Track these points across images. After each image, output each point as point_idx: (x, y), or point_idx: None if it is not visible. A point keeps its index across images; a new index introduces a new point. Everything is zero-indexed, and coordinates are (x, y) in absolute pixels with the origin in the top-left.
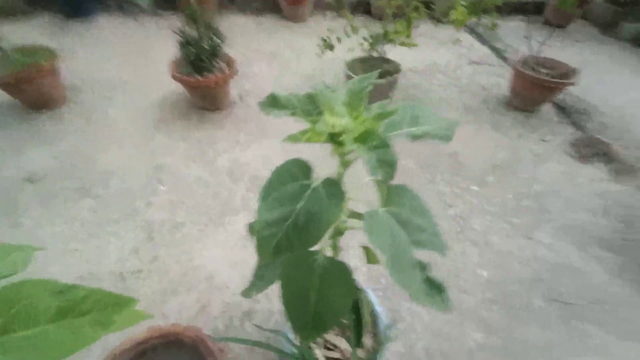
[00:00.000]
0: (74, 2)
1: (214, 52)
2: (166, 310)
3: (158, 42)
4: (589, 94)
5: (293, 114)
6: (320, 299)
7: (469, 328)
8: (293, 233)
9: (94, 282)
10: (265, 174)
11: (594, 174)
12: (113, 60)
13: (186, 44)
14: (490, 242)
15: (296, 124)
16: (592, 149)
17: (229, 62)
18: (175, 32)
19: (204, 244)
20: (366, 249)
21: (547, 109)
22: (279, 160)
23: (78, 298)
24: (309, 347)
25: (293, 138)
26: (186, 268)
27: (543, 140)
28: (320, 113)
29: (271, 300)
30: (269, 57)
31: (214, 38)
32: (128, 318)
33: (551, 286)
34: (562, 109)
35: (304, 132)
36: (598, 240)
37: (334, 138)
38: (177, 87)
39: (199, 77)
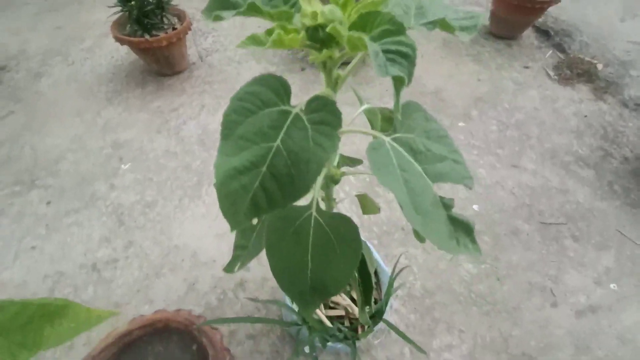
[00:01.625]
0: None
1: (161, 6)
2: (152, 295)
3: (95, 6)
4: (567, 14)
5: (250, 12)
6: (319, 264)
7: (461, 260)
8: (272, 183)
9: (65, 281)
10: None
11: (574, 96)
12: (43, 32)
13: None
14: (478, 175)
15: (273, 67)
16: (574, 70)
17: (181, 16)
18: None
19: (182, 220)
20: (362, 197)
21: (527, 34)
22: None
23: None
24: None
25: (254, 40)
26: (167, 248)
27: (525, 67)
28: (292, 6)
29: (264, 264)
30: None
31: None
32: (76, 326)
33: (533, 210)
34: (543, 33)
35: (269, 32)
36: (577, 158)
37: (316, 36)
38: (126, 54)
39: (147, 37)
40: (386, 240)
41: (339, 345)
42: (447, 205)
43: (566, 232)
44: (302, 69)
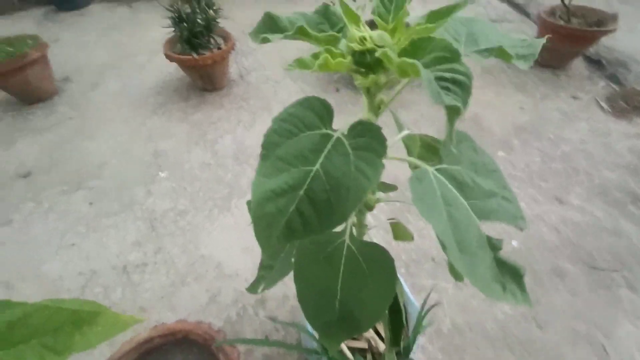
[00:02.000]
0: None
1: (209, 27)
2: (175, 303)
3: (153, 26)
4: (622, 44)
5: (298, 35)
6: (350, 294)
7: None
8: (309, 208)
9: (96, 279)
10: None
11: (629, 130)
12: (105, 48)
13: (179, 20)
14: None
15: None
16: (631, 103)
17: (226, 38)
18: (167, 9)
19: (210, 230)
20: (395, 226)
21: (577, 64)
22: None
23: (14, 319)
24: None
25: (301, 64)
26: (193, 257)
27: (573, 98)
28: (339, 31)
29: (286, 283)
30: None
31: (209, 12)
32: (104, 331)
33: (581, 250)
34: (595, 63)
35: (315, 55)
36: (634, 198)
37: (363, 60)
38: (173, 70)
39: (194, 55)
40: (415, 269)
41: None
42: (494, 246)
43: (620, 279)
44: (337, 90)
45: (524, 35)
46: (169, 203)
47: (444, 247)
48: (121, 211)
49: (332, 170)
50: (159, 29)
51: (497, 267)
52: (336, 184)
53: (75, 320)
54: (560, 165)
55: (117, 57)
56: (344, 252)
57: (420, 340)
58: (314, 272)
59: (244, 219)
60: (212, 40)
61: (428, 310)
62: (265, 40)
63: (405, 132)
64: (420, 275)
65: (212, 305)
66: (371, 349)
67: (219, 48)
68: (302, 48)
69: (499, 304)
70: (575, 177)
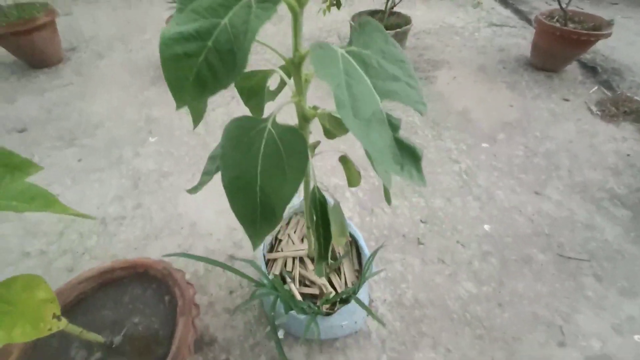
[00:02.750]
0: None
1: None
2: (147, 254)
3: (163, 7)
4: (620, 54)
5: None
6: (268, 179)
7: (461, 278)
8: (216, 58)
9: (74, 226)
10: None
11: (616, 133)
12: (115, 23)
13: None
14: (495, 196)
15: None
16: (621, 108)
17: None
18: None
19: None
20: (346, 164)
21: (571, 68)
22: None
23: None
24: (282, 279)
25: None
26: (170, 215)
27: (564, 100)
28: None
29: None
30: (274, 21)
31: None
32: (45, 203)
33: (553, 240)
34: (590, 69)
35: None
36: (610, 196)
37: None
38: None
39: None
40: (384, 243)
41: (302, 317)
42: (394, 125)
43: (587, 269)
44: None
45: (520, 39)
46: (154, 165)
47: (338, 104)
48: (108, 168)
49: (236, 21)
50: (167, 7)
51: (396, 148)
52: (236, 32)
53: (7, 163)
54: (543, 161)
55: (125, 32)
56: (265, 136)
57: (379, 307)
58: (238, 158)
59: (221, 185)
60: None
61: (375, 253)
62: None
63: None
64: (389, 250)
65: (183, 259)
66: (322, 296)
67: None
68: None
69: (464, 283)
70: (556, 172)
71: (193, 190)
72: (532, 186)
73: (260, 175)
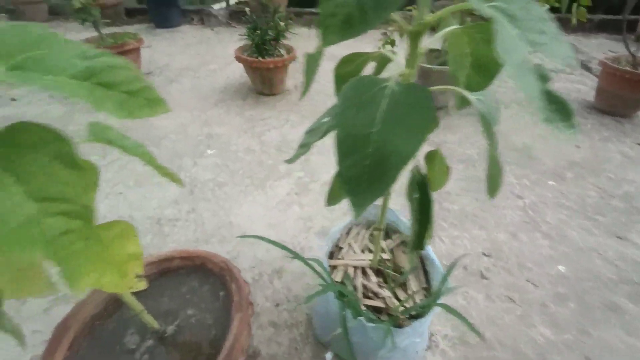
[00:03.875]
0: (161, 14)
1: (277, 38)
2: None
3: (229, 45)
4: None
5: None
6: (385, 135)
7: (534, 321)
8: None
9: (133, 223)
10: (312, 149)
11: None
12: (187, 56)
13: (253, 29)
14: (568, 236)
15: None
16: None
17: (289, 50)
18: (245, 19)
19: (242, 203)
20: (433, 160)
21: None
22: (328, 140)
23: (105, 66)
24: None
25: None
26: (222, 222)
27: (639, 145)
28: None
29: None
30: (328, 57)
31: (280, 24)
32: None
33: None
34: None
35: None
36: None
37: None
38: (239, 77)
39: (260, 58)
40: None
41: (371, 325)
42: (544, 75)
43: None
44: None
45: (581, 85)
46: (210, 175)
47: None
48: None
49: None
50: (233, 47)
51: (545, 99)
52: None
53: (144, 96)
54: (622, 204)
55: (195, 64)
56: (387, 93)
57: (440, 343)
58: (355, 115)
59: (274, 200)
60: (278, 51)
61: (452, 269)
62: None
63: None
64: (450, 280)
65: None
66: (387, 311)
67: (282, 57)
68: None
69: (540, 327)
70: (638, 217)
71: (291, 160)
72: (612, 229)
73: (378, 133)
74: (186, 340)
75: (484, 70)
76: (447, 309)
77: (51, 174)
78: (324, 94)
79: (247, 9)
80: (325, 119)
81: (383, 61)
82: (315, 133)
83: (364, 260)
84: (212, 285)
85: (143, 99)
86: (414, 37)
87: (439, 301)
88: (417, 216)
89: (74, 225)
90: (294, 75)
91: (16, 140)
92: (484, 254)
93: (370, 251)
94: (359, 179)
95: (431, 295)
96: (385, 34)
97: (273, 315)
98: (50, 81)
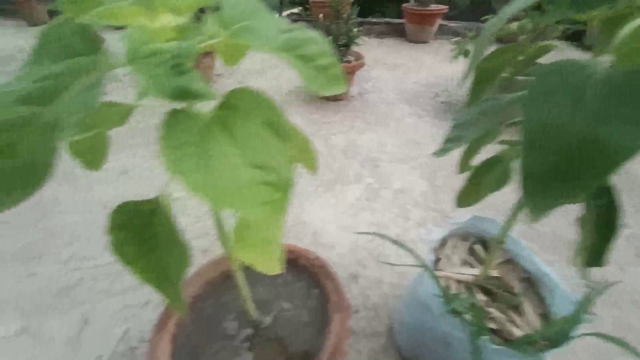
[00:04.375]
0: None
1: (348, 45)
2: None
3: None
4: None
5: None
6: (597, 125)
7: None
8: None
9: (208, 215)
10: (381, 157)
11: None
12: (253, 58)
13: (327, 34)
14: None
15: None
16: None
17: (358, 57)
18: (318, 24)
19: (313, 203)
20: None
21: None
22: (395, 146)
23: (302, 40)
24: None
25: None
26: (295, 221)
27: None
28: None
29: (382, 268)
30: (389, 67)
31: (353, 31)
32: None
33: None
34: None
35: None
36: None
37: None
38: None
39: None
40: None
41: (502, 348)
42: None
43: None
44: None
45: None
46: None
47: None
48: None
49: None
50: None
51: None
52: None
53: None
54: None
55: (262, 67)
56: (598, 78)
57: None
58: (551, 102)
59: (344, 204)
60: (347, 57)
61: (591, 298)
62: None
63: None
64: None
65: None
66: (503, 335)
67: (350, 62)
68: (414, 87)
69: None
70: None
71: (438, 153)
72: None
73: (585, 123)
74: (283, 334)
75: None
76: (608, 338)
77: (262, 141)
78: (388, 103)
79: (320, 15)
80: (475, 114)
81: (535, 55)
82: (466, 127)
83: (469, 274)
84: (305, 282)
85: (330, 75)
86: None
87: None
88: (598, 226)
89: (275, 197)
90: (359, 82)
91: (234, 105)
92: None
93: (471, 266)
94: (548, 176)
95: (552, 322)
96: (457, 42)
97: (352, 322)
98: (262, 47)
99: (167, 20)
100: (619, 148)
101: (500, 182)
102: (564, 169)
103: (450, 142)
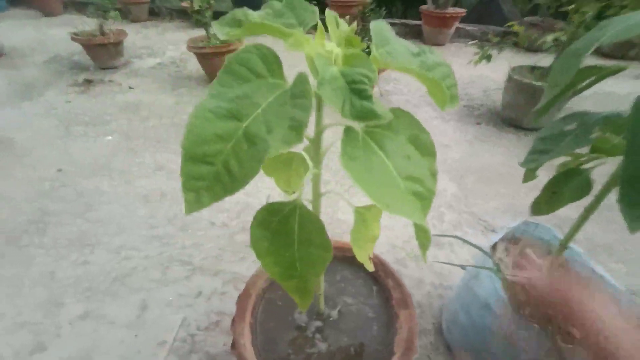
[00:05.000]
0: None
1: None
2: None
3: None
4: None
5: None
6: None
7: None
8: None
9: (248, 211)
10: None
11: None
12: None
13: None
14: None
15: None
16: None
17: None
18: None
19: (347, 202)
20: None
21: None
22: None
23: (434, 63)
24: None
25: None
26: (331, 218)
27: None
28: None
29: (422, 268)
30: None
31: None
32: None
33: None
34: None
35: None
36: None
37: None
38: None
39: None
40: None
41: None
42: None
43: None
44: (478, 124)
45: None
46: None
47: None
48: None
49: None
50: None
51: None
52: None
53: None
54: None
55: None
56: None
57: None
58: None
59: None
60: None
61: None
62: (231, 34)
63: None
64: None
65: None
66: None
67: None
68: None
69: None
70: None
71: (525, 164)
72: None
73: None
74: (350, 328)
75: None
76: None
77: (407, 156)
78: (411, 104)
79: (347, 17)
80: (567, 127)
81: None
82: (553, 141)
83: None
84: (364, 279)
85: (452, 94)
86: None
87: None
88: None
89: (422, 204)
90: (380, 84)
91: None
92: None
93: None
94: None
95: None
96: (481, 46)
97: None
98: (404, 69)
99: (338, 49)
100: None
101: (583, 192)
102: None
103: (536, 154)
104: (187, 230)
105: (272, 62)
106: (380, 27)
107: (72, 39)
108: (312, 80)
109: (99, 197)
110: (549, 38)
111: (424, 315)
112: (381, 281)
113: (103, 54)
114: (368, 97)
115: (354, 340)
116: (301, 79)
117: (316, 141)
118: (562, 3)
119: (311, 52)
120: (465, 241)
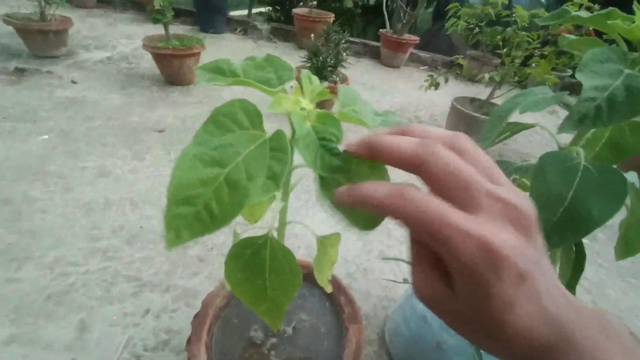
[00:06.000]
0: (209, 20)
1: (336, 66)
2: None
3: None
4: None
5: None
6: (578, 200)
7: None
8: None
9: None
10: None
11: None
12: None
13: (314, 55)
14: (607, 295)
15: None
16: None
17: (344, 79)
18: (307, 44)
19: (304, 217)
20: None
21: None
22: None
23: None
24: None
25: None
26: (288, 234)
27: None
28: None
29: (369, 281)
30: (367, 87)
31: (342, 55)
32: None
33: None
34: None
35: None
36: None
37: None
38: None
39: None
40: None
41: None
42: None
43: None
44: None
45: None
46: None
47: None
48: None
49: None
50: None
51: None
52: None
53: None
54: None
55: None
56: (580, 168)
57: None
58: (552, 178)
59: (333, 219)
60: (333, 77)
61: None
62: (213, 82)
63: None
64: None
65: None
66: None
67: (336, 83)
68: (389, 108)
69: None
70: None
71: None
72: None
73: (571, 198)
74: (303, 343)
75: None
76: None
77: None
78: None
79: (312, 35)
80: None
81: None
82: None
83: None
84: (319, 296)
85: None
86: None
87: None
88: (571, 265)
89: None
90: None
91: None
92: None
93: None
94: (549, 231)
95: None
96: (432, 76)
97: None
98: (368, 125)
99: (311, 106)
100: (590, 219)
101: None
102: (555, 226)
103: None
104: (135, 244)
105: (254, 115)
106: (347, 90)
107: (5, 21)
108: (288, 128)
109: (29, 205)
110: (487, 76)
111: (369, 326)
112: (334, 298)
113: (41, 41)
114: (337, 154)
115: (307, 354)
116: (279, 135)
117: (286, 178)
118: (496, 45)
119: (289, 109)
120: (405, 261)
